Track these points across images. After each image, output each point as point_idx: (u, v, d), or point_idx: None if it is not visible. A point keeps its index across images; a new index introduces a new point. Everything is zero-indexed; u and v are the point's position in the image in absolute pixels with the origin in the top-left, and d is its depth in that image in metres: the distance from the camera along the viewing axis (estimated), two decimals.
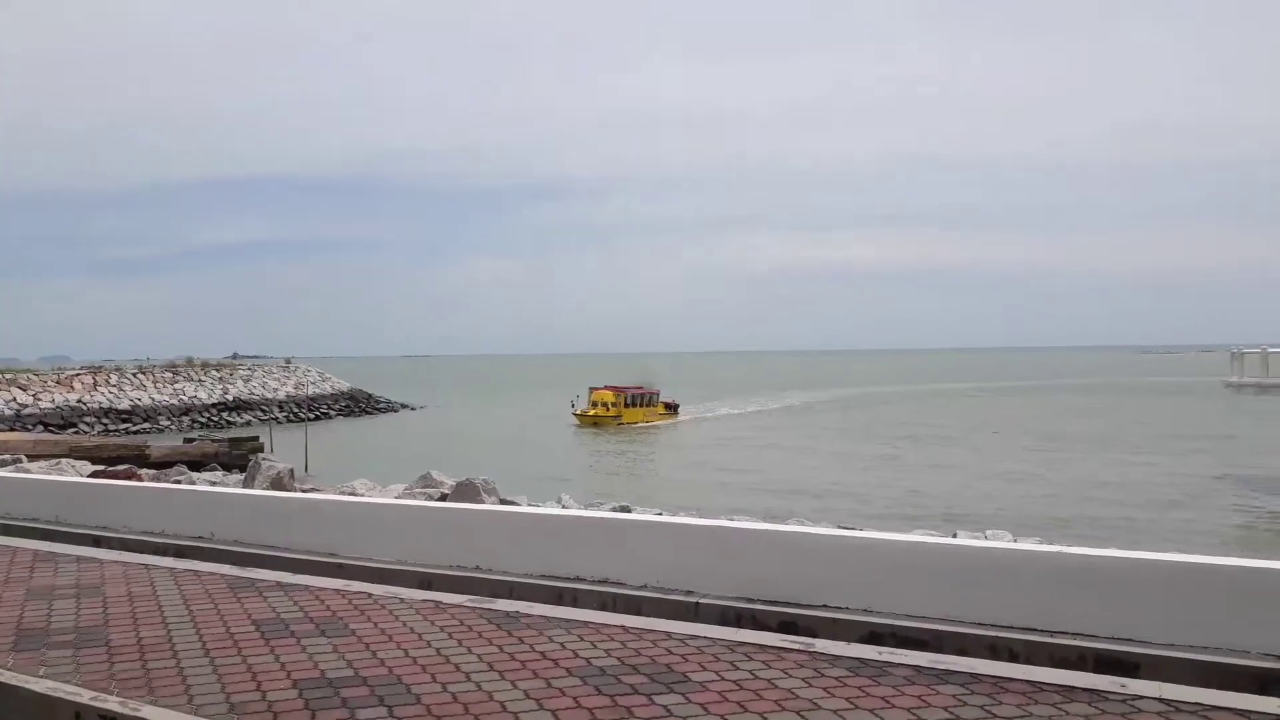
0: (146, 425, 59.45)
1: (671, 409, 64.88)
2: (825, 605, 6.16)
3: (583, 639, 5.53)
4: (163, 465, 35.45)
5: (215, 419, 63.56)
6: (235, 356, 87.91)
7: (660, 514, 11.86)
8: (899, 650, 5.37)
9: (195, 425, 60.61)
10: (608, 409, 59.39)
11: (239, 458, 38.72)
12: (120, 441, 39.53)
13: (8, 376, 59.28)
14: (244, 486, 12.51)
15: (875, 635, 5.83)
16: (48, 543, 8.76)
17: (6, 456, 26.26)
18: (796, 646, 5.38)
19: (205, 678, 4.88)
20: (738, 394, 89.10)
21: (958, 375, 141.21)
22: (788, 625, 6.02)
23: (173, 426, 59.59)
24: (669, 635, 5.60)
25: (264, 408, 66.86)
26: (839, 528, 9.85)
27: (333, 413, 70.27)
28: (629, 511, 12.44)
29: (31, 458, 29.74)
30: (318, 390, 74.39)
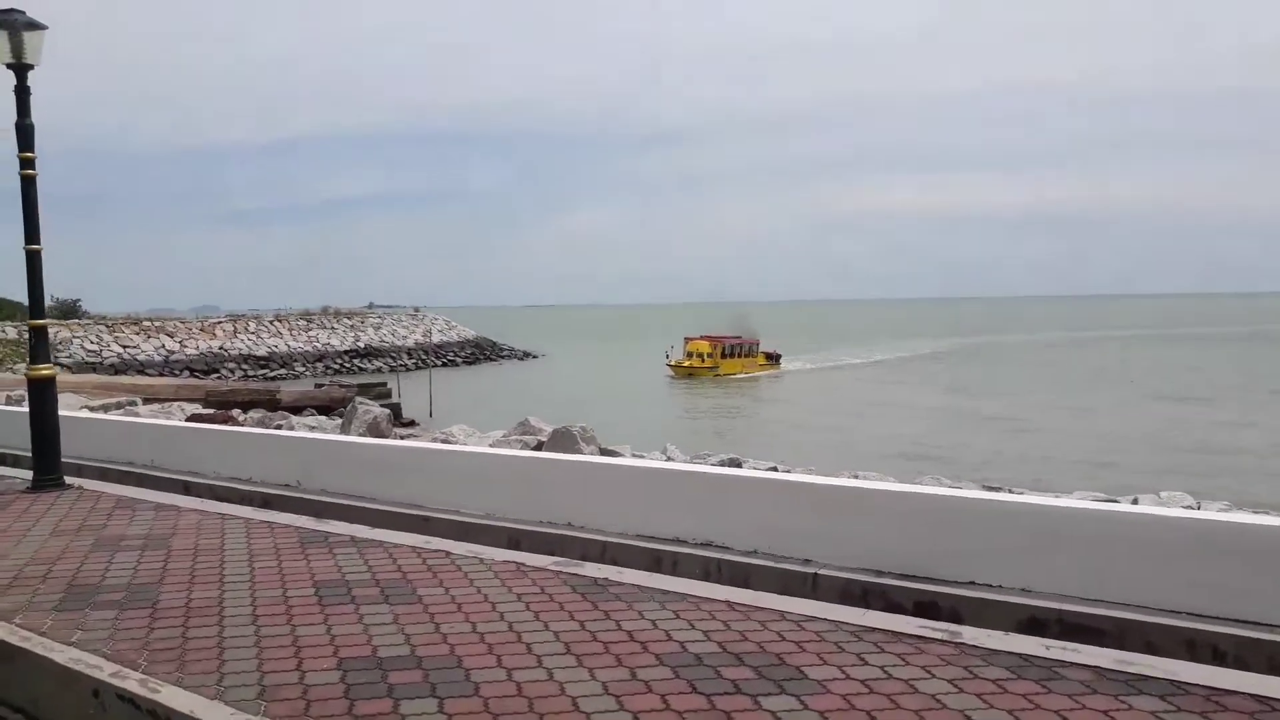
0: (283, 371, 61.85)
1: (773, 359, 61.97)
2: (973, 582, 5.12)
3: (679, 616, 4.68)
4: (293, 410, 36.54)
5: (347, 365, 65.64)
6: (371, 306, 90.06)
7: (774, 469, 10.85)
8: (1069, 644, 4.30)
9: (328, 371, 62.86)
10: (703, 360, 57.13)
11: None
12: (253, 386, 40.86)
13: (157, 325, 62.48)
14: (341, 432, 12.16)
15: (1036, 622, 4.78)
16: (138, 488, 8.48)
17: (121, 399, 27.01)
18: (940, 635, 4.38)
19: (244, 652, 4.26)
20: (852, 343, 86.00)
21: (1089, 323, 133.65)
22: (926, 606, 5.02)
23: (307, 372, 61.88)
24: (782, 615, 4.69)
25: (393, 355, 68.57)
26: (985, 488, 8.67)
27: (458, 360, 71.52)
28: (738, 466, 11.48)
29: (161, 401, 30.91)
30: (444, 338, 75.80)
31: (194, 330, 63.48)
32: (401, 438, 12.04)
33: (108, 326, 60.76)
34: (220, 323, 66.15)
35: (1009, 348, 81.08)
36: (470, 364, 71.13)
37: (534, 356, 76.05)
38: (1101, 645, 4.36)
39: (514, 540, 6.69)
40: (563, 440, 10.82)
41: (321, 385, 47.47)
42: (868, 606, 5.01)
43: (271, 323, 68.56)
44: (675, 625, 4.55)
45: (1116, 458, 25.51)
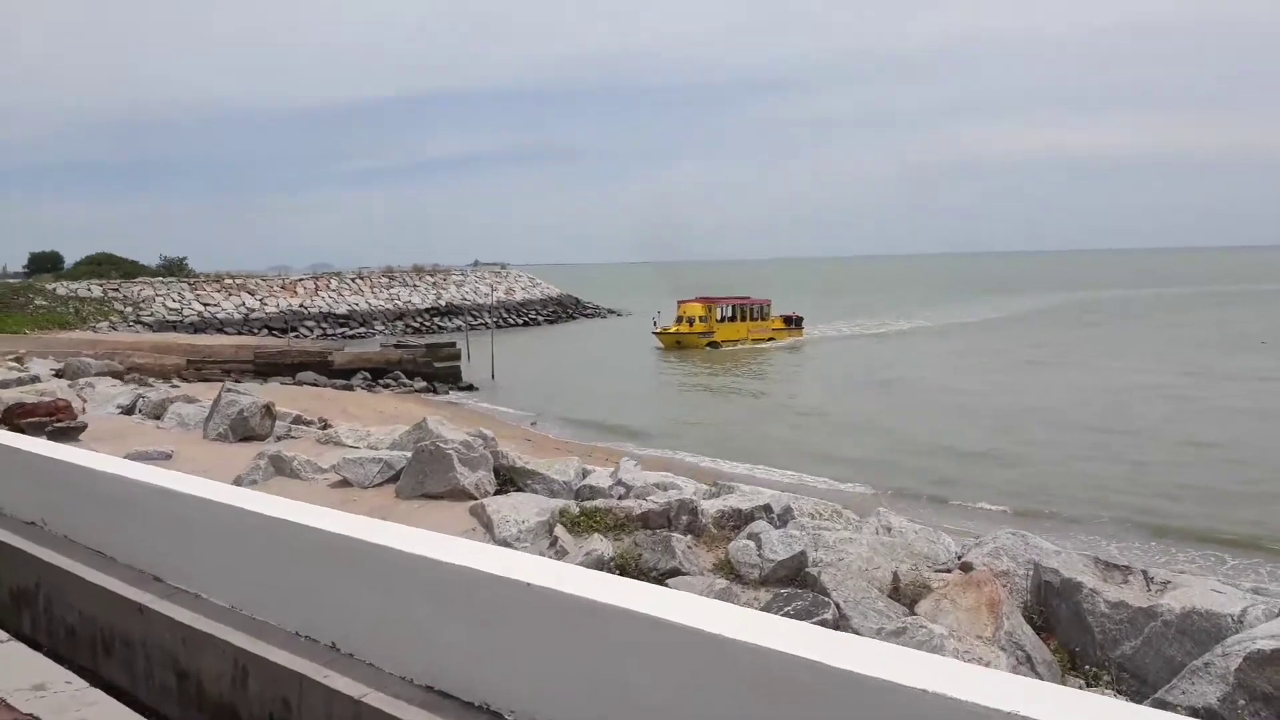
0: (362, 329, 60.87)
1: (793, 324, 52.24)
2: None
3: None
4: (345, 373, 34.74)
5: (427, 324, 64.30)
6: (475, 264, 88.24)
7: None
8: None
9: (408, 330, 61.58)
10: (692, 325, 48.36)
11: (427, 364, 37.65)
12: (303, 347, 39.24)
13: (238, 282, 62.12)
14: (205, 427, 9.40)
15: None
16: None
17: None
18: None
19: None
20: (911, 304, 76.69)
21: (1205, 277, 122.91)
22: None
23: (386, 331, 60.73)
24: None
25: (474, 313, 66.87)
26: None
27: (540, 319, 69.48)
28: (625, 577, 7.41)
29: (198, 366, 29.30)
30: (527, 295, 73.83)
31: (275, 288, 62.91)
32: (279, 437, 9.21)
33: (189, 284, 60.62)
34: (301, 280, 65.52)
35: (1115, 303, 73.99)
36: (551, 322, 68.98)
37: (617, 314, 73.37)
38: None
39: (232, 665, 3.75)
40: (427, 466, 6.95)
41: (389, 345, 45.90)
42: None
43: (353, 280, 67.70)
44: None
45: None
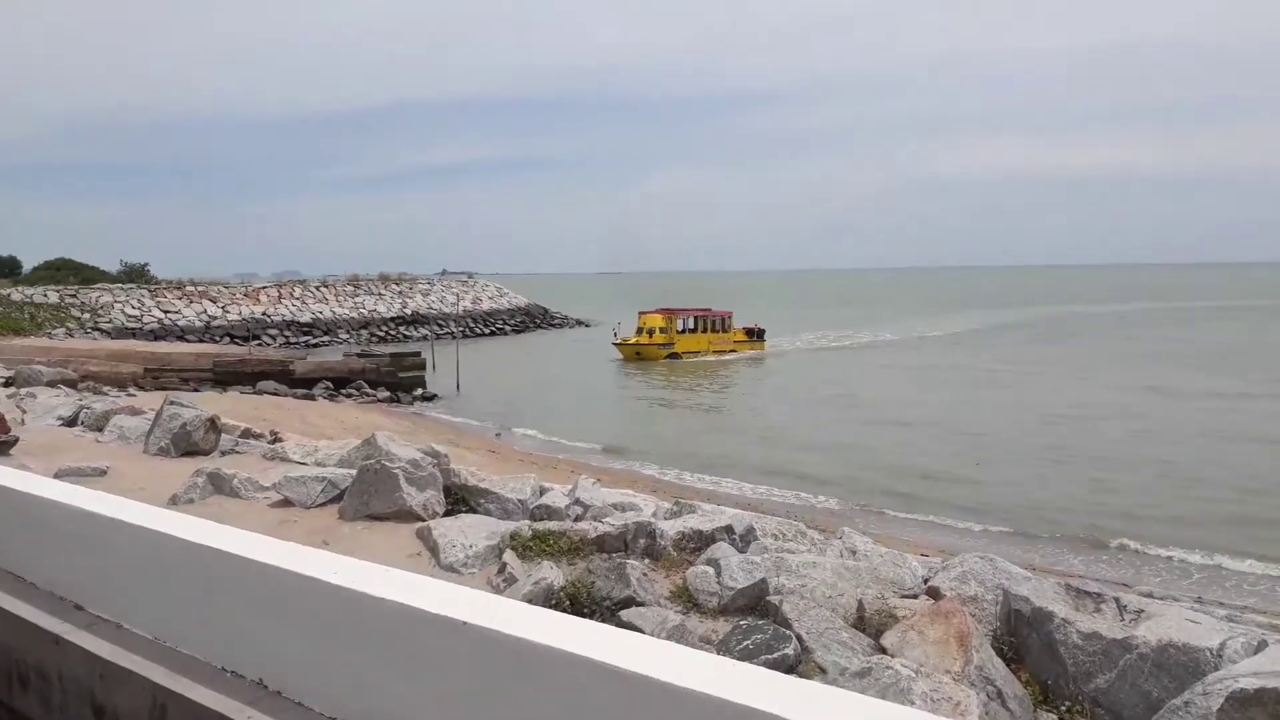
0: (326, 338, 60.07)
1: (754, 336, 52.00)
2: None
3: None
4: (307, 382, 34.13)
5: (393, 333, 63.63)
6: (443, 273, 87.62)
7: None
8: None
9: (373, 339, 60.85)
10: (652, 336, 47.83)
11: (391, 374, 37.13)
12: (264, 355, 38.55)
13: (200, 289, 61.08)
14: (146, 441, 8.99)
15: None
16: None
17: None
18: None
19: None
20: (883, 315, 78.41)
21: (1202, 293, 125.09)
22: None
23: (351, 340, 59.99)
24: None
25: (440, 322, 66.24)
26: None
27: (507, 328, 69.07)
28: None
29: (155, 374, 28.65)
30: (494, 305, 73.33)
31: (237, 296, 61.91)
32: (224, 452, 8.82)
33: (149, 291, 59.49)
34: (265, 288, 64.55)
35: (1092, 320, 74.92)
36: (519, 332, 68.59)
37: (585, 325, 73.07)
38: None
39: (156, 703, 3.41)
40: (371, 487, 6.50)
41: (352, 355, 45.23)
42: None
43: (317, 289, 66.82)
44: None
45: None
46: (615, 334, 49.34)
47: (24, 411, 11.94)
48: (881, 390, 35.55)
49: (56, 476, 8.14)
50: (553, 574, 4.84)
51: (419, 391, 36.06)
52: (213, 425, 8.87)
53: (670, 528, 6.81)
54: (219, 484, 7.04)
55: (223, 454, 8.82)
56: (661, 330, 47.99)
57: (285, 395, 32.62)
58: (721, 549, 6.61)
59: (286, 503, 6.86)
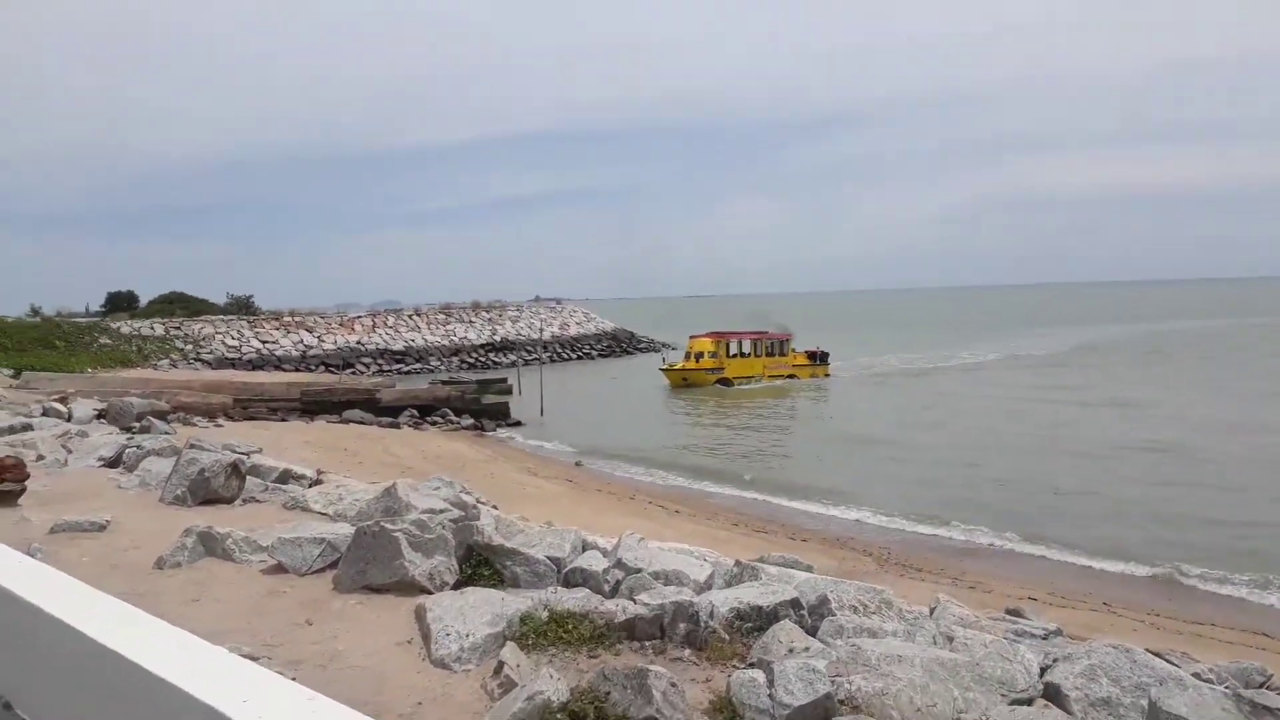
0: (418, 365, 60.55)
1: (817, 360, 48.60)
2: None
3: None
4: (392, 411, 33.91)
5: (482, 359, 63.85)
6: (537, 299, 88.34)
7: None
8: None
9: (463, 365, 61.19)
10: (699, 361, 45.23)
11: (476, 401, 36.74)
12: (352, 385, 38.58)
13: (296, 319, 62.35)
14: (166, 485, 8.17)
15: None
16: None
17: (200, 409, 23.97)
18: None
19: None
20: (974, 337, 75.13)
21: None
22: None
23: (442, 366, 60.40)
24: None
25: (528, 348, 66.19)
26: None
27: (594, 353, 68.61)
28: None
29: (245, 404, 28.72)
30: (582, 330, 73.01)
31: (333, 326, 63.01)
32: (246, 500, 7.91)
33: (248, 322, 61.00)
34: (359, 318, 65.58)
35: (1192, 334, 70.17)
36: (605, 357, 68.03)
37: (671, 348, 72.16)
38: None
39: None
40: (369, 554, 5.41)
41: (441, 382, 45.17)
42: None
43: (410, 317, 67.63)
44: None
45: None
46: (664, 359, 47.57)
47: (69, 452, 11.48)
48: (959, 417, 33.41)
49: (52, 532, 7.45)
50: (551, 687, 3.72)
51: (505, 418, 35.53)
52: (235, 470, 8.04)
53: (723, 601, 5.58)
54: (210, 545, 6.16)
55: (243, 502, 8.01)
56: (710, 355, 45.75)
57: (371, 424, 32.46)
58: (785, 630, 5.37)
59: (280, 568, 5.92)
